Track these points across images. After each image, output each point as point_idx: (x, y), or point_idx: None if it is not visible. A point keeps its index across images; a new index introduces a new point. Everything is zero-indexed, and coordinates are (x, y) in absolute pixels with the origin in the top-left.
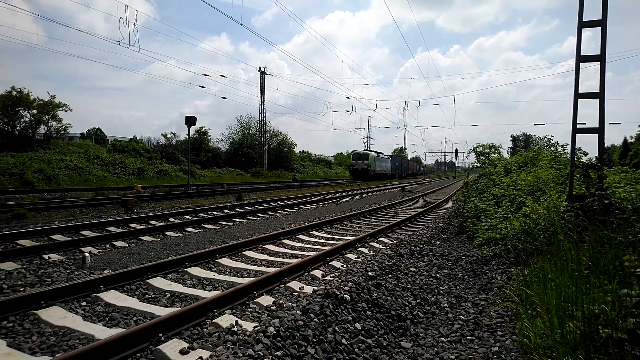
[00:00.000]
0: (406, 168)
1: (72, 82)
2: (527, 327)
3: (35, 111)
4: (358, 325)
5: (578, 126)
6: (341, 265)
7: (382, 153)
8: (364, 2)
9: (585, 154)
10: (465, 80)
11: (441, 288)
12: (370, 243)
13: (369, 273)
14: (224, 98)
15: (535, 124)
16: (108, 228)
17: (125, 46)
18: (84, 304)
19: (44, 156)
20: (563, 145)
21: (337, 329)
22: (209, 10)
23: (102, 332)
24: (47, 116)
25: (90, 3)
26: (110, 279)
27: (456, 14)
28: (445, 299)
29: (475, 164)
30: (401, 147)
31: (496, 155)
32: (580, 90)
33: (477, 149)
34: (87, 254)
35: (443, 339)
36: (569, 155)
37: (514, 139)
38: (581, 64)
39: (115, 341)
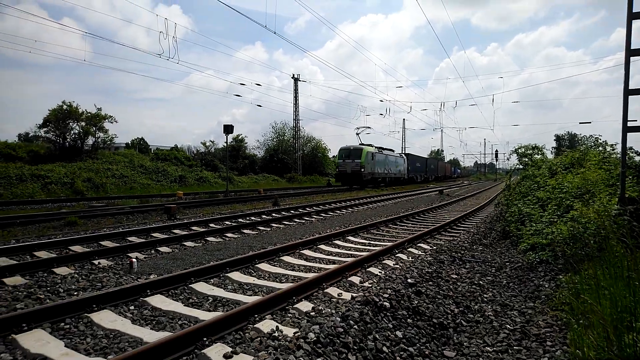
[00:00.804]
0: (434, 170)
1: (117, 95)
2: (579, 338)
3: (83, 123)
4: (399, 333)
5: (629, 124)
6: (379, 272)
7: (390, 150)
8: (397, 4)
9: (638, 154)
10: (504, 78)
11: (485, 296)
12: (409, 249)
13: (409, 280)
14: (259, 106)
15: (580, 123)
16: (153, 234)
17: (165, 58)
18: (132, 307)
19: (92, 166)
20: (612, 145)
21: (377, 336)
22: (245, 20)
23: (150, 336)
24: (94, 128)
25: (132, 18)
26: (156, 284)
27: (493, 11)
28: (489, 307)
29: (518, 166)
30: (438, 149)
31: (539, 156)
32: (631, 86)
33: (519, 150)
34: (134, 260)
35: (488, 348)
36: (619, 155)
37: (558, 138)
38: (631, 57)
39: (162, 345)
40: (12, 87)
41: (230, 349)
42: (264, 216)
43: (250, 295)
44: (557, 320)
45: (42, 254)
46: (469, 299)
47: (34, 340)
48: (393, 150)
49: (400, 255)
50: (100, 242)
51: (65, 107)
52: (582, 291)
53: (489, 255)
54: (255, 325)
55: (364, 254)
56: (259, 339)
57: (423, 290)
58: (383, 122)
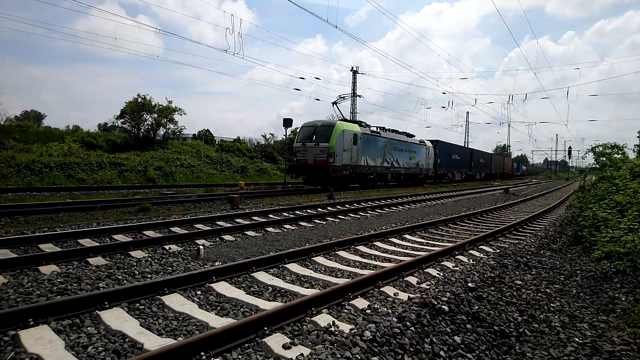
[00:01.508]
0: (487, 166)
1: (185, 88)
2: None
3: (155, 115)
4: (457, 339)
5: None
6: (437, 274)
7: (404, 133)
8: None
9: None
10: (580, 69)
11: (552, 305)
12: (470, 251)
13: (469, 284)
14: (318, 100)
15: None
16: (217, 222)
17: (231, 54)
18: (199, 292)
19: (163, 155)
20: None
21: (434, 340)
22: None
23: (215, 321)
24: (165, 119)
25: (201, 15)
26: (221, 271)
27: None
28: (556, 317)
29: (594, 165)
30: (504, 145)
31: (619, 155)
32: None
33: (597, 149)
34: (201, 247)
35: None
36: None
37: None
38: None
39: (227, 331)
40: (94, 81)
41: (289, 340)
42: (319, 209)
43: (307, 287)
44: (636, 338)
45: (120, 237)
46: (534, 307)
47: (114, 317)
48: (410, 135)
49: (460, 257)
50: (171, 228)
51: (139, 99)
52: None
53: (557, 262)
54: (312, 319)
55: (422, 253)
56: (316, 332)
57: (484, 296)
58: (445, 115)
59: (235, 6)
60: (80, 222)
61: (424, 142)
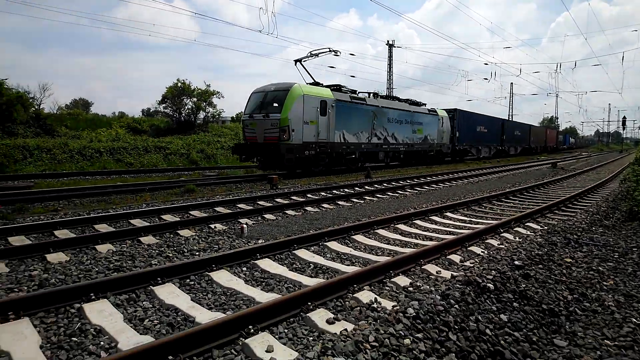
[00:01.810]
0: (523, 139)
1: (222, 71)
2: None
3: (195, 99)
4: (503, 317)
5: None
6: (482, 252)
7: (405, 101)
8: None
9: None
10: (639, 32)
11: (605, 284)
12: (516, 228)
13: (516, 262)
14: (353, 77)
15: None
16: (258, 202)
17: (265, 34)
18: (244, 269)
19: (204, 138)
20: None
21: (480, 318)
22: None
23: (260, 296)
24: (204, 103)
25: None
26: (264, 249)
27: None
28: (610, 296)
29: None
30: (551, 117)
31: None
32: None
33: None
34: (244, 225)
35: (608, 342)
36: None
37: None
38: None
39: (273, 305)
40: (136, 68)
41: (332, 315)
42: (357, 188)
43: (348, 265)
44: None
45: (168, 217)
46: (585, 286)
47: (167, 292)
48: (416, 103)
49: (505, 234)
50: (215, 208)
51: (179, 84)
52: None
53: (611, 239)
54: (354, 295)
55: (465, 231)
56: (359, 308)
57: (532, 274)
58: (487, 87)
59: None
60: (131, 204)
61: (434, 112)
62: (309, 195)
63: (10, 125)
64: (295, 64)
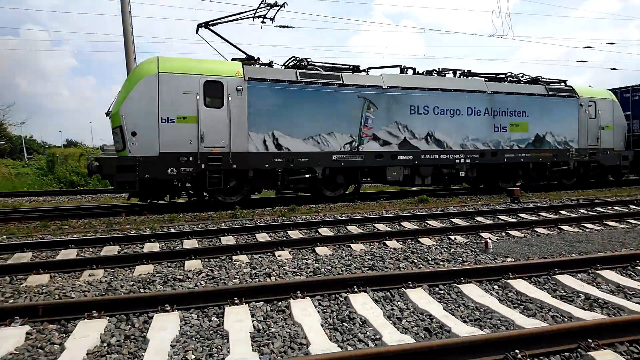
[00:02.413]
0: None
1: None
2: None
3: None
4: None
5: None
6: None
7: (480, 76)
8: None
9: None
10: None
11: None
12: None
13: None
14: (614, 69)
15: None
16: (499, 216)
17: (499, 37)
18: (496, 287)
19: None
20: None
21: None
22: None
23: (521, 320)
24: None
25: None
26: (517, 268)
27: None
28: None
29: None
30: None
31: None
32: None
33: None
34: (489, 240)
35: None
36: None
37: None
38: None
39: (544, 333)
40: None
41: None
42: (632, 206)
43: (637, 302)
44: None
45: (407, 225)
46: None
47: (418, 297)
48: (516, 79)
49: None
50: (451, 219)
51: None
52: None
53: None
54: None
55: None
56: None
57: None
58: None
59: None
60: (373, 210)
61: (569, 92)
62: (562, 212)
63: None
64: (197, 30)
